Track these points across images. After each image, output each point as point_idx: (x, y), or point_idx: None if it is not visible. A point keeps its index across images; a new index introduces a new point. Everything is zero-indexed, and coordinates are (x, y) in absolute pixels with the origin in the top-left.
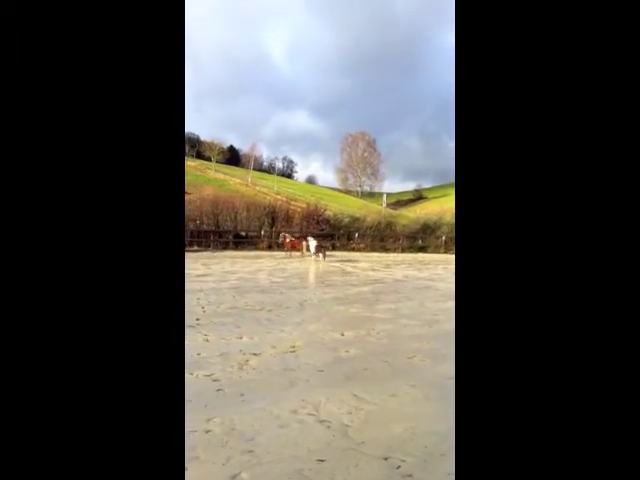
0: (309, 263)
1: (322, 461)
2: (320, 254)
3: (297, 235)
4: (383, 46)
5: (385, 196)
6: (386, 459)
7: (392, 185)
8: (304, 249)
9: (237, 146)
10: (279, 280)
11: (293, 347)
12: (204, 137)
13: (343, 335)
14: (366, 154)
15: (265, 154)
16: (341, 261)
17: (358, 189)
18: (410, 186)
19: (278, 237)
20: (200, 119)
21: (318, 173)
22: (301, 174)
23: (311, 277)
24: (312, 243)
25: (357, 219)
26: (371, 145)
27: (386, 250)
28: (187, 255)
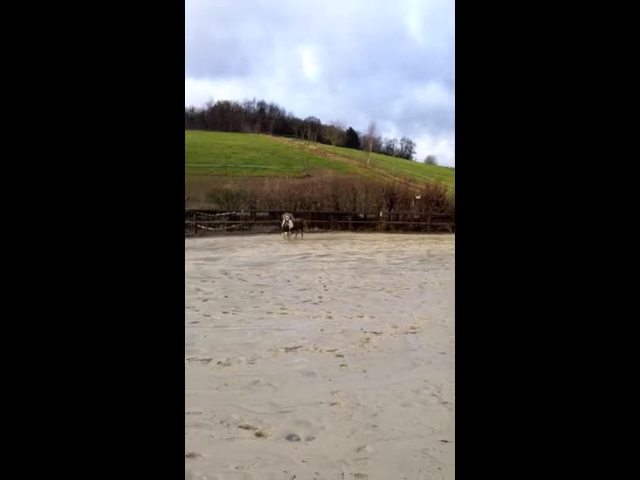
0: (428, 245)
1: (446, 442)
2: (294, 233)
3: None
4: None
5: None
6: None
7: None
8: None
9: (363, 126)
10: (398, 262)
11: (414, 328)
12: (325, 122)
13: None
14: None
15: (384, 136)
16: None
17: None
18: None
19: (397, 219)
20: (333, 100)
21: (446, 151)
22: (421, 154)
23: (431, 259)
24: (288, 223)
25: None
26: None
27: None
28: (307, 236)
